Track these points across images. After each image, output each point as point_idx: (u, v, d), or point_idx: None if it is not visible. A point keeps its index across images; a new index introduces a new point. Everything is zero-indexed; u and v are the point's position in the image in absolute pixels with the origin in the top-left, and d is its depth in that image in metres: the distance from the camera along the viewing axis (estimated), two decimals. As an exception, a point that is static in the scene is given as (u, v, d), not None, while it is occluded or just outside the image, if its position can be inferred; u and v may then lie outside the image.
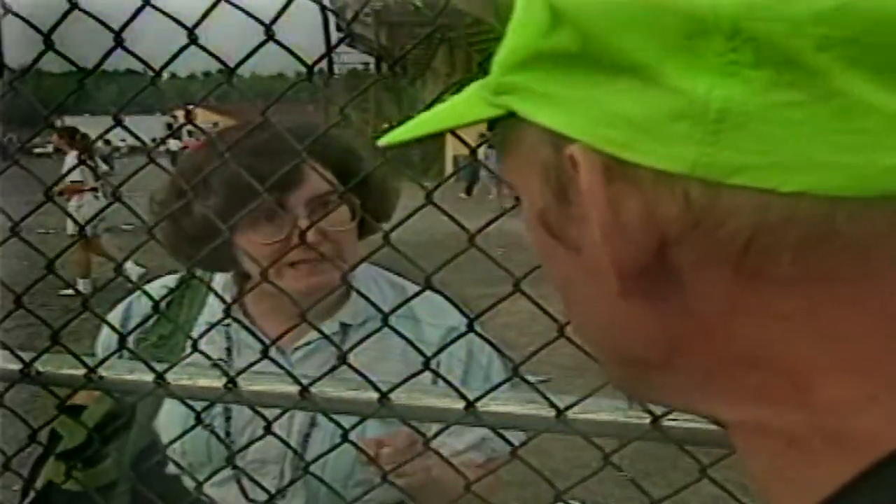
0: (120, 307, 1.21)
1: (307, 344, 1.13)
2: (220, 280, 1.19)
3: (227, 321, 1.11)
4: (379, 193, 1.14)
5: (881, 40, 0.25)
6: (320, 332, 0.97)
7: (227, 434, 1.12)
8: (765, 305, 0.29)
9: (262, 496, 1.06)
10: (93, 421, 1.15)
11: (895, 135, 0.26)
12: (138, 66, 0.89)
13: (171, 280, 1.21)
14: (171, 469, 1.13)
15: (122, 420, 1.15)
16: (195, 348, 1.00)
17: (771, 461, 0.32)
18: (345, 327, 1.14)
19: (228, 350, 1.15)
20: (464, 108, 0.37)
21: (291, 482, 1.08)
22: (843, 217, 0.27)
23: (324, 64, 0.86)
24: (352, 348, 0.93)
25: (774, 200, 0.27)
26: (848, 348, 0.29)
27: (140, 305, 1.19)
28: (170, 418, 1.13)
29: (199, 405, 1.02)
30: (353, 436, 0.95)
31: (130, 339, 1.14)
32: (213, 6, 0.79)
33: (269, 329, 1.11)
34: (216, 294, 1.10)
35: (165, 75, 0.88)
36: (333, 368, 0.93)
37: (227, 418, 1.12)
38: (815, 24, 0.25)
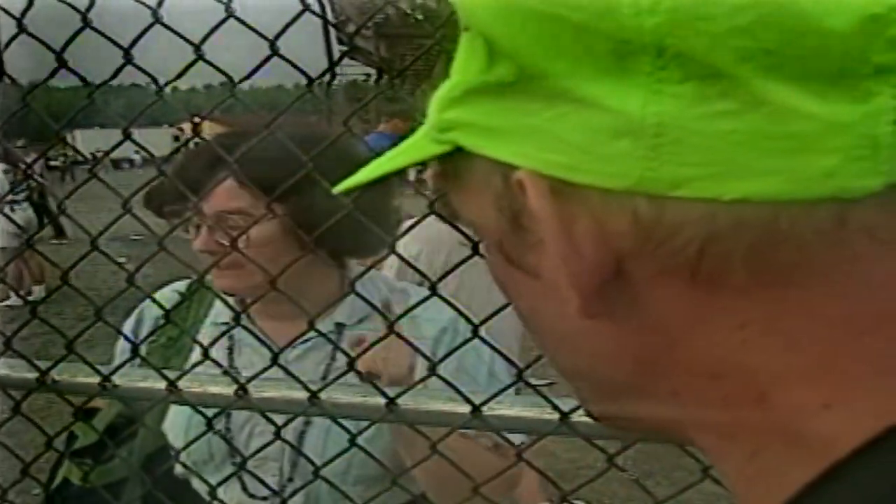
0: (134, 313, 1.25)
1: (303, 343, 1.15)
2: None
3: (226, 320, 1.17)
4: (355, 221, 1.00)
5: (798, 51, 0.26)
6: (320, 333, 0.99)
7: (227, 431, 1.13)
8: (722, 315, 0.30)
9: (261, 493, 1.09)
10: (104, 423, 1.19)
11: (830, 138, 0.26)
12: (142, 80, 0.92)
13: (181, 285, 1.25)
14: (179, 471, 1.15)
15: (131, 422, 1.18)
16: (206, 355, 1.02)
17: (739, 467, 0.32)
18: (340, 326, 1.16)
19: (230, 349, 1.18)
20: (415, 148, 0.38)
21: (303, 486, 1.09)
22: (787, 221, 0.27)
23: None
24: (361, 354, 0.95)
25: (720, 209, 0.27)
26: (800, 355, 0.29)
27: (152, 310, 1.23)
28: (175, 420, 1.15)
29: (209, 411, 1.04)
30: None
31: (143, 343, 1.18)
32: (221, 23, 0.81)
33: (268, 328, 1.14)
34: (222, 300, 1.13)
35: (168, 89, 0.90)
36: (341, 375, 0.94)
37: (227, 416, 1.13)
38: (734, 37, 0.26)
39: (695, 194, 0.28)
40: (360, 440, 0.98)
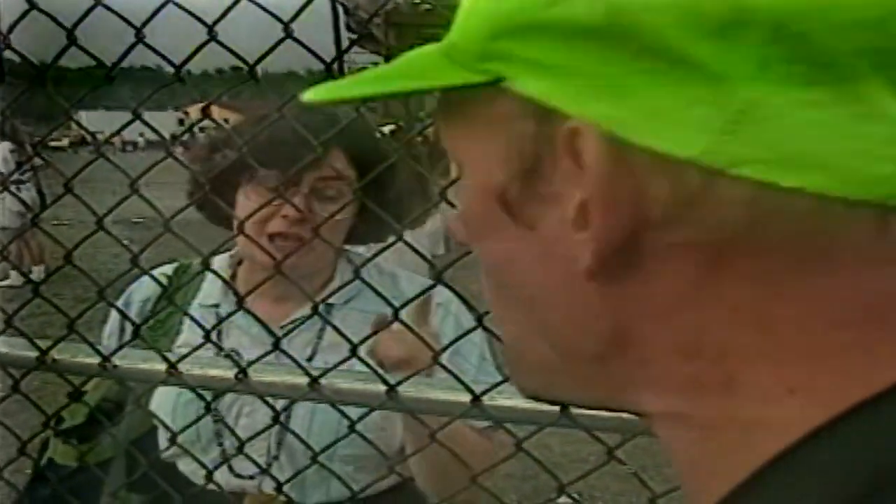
0: (123, 296, 1.25)
1: (291, 323, 1.15)
2: (217, 265, 1.21)
3: (215, 302, 1.18)
4: (398, 200, 1.15)
5: None
6: (320, 315, 0.99)
7: (216, 412, 1.13)
8: (720, 295, 0.30)
9: (247, 472, 1.10)
10: (92, 403, 1.19)
11: (894, 146, 0.27)
12: (152, 63, 0.92)
13: (168, 268, 1.25)
14: (165, 455, 1.15)
15: (116, 405, 1.20)
16: (207, 338, 1.03)
17: (690, 451, 0.32)
18: (328, 307, 1.16)
19: (218, 331, 1.18)
20: (426, 71, 0.35)
21: (295, 474, 1.10)
22: (827, 217, 0.28)
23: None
24: (362, 340, 0.95)
25: (769, 194, 0.27)
26: (779, 339, 0.29)
27: (139, 293, 1.24)
28: (161, 402, 1.15)
29: (207, 394, 1.05)
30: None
31: (129, 325, 1.18)
32: (235, 4, 0.80)
33: (257, 309, 1.14)
34: (221, 278, 1.13)
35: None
36: (344, 360, 0.95)
37: (214, 396, 1.13)
38: (856, 29, 0.26)
39: (753, 175, 0.27)
40: (346, 420, 0.98)
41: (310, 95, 0.37)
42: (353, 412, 0.98)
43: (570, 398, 0.40)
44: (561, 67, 0.30)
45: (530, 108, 0.31)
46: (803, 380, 0.29)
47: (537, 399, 0.41)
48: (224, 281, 1.14)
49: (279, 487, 1.05)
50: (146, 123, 0.93)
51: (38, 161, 7.02)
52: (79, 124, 1.06)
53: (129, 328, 1.20)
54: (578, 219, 0.30)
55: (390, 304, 0.94)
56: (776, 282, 0.29)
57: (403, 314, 0.93)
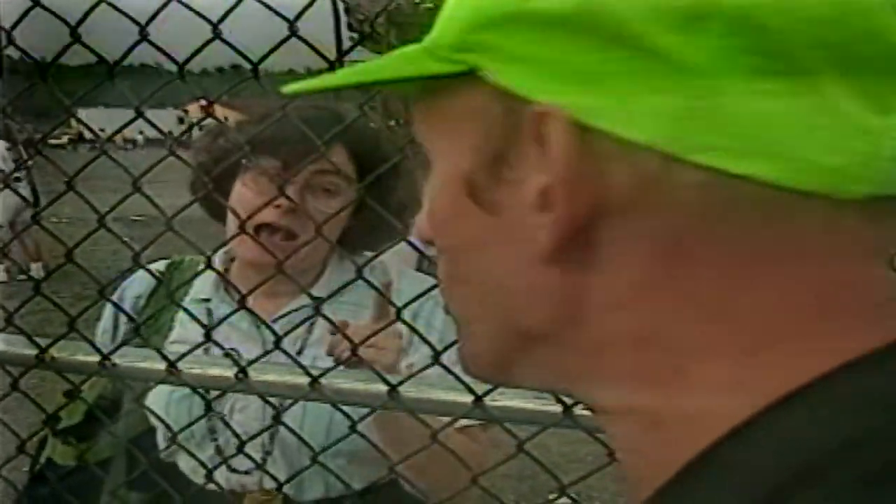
0: (115, 293, 1.25)
1: (282, 317, 1.15)
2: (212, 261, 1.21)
3: (207, 298, 1.18)
4: (400, 209, 1.13)
5: (867, 51, 0.27)
6: (323, 315, 0.99)
7: (209, 409, 1.13)
8: (675, 286, 0.31)
9: (242, 468, 1.10)
10: (85, 405, 1.19)
11: (850, 140, 0.28)
12: (151, 61, 0.91)
13: (161, 265, 1.25)
14: (164, 454, 1.15)
15: (113, 404, 1.20)
16: (208, 337, 1.02)
17: (633, 441, 0.33)
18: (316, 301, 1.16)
19: (207, 326, 1.17)
20: (408, 62, 0.36)
21: (297, 474, 1.10)
22: (777, 206, 0.28)
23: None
24: (362, 342, 0.95)
25: (721, 181, 0.28)
26: (729, 331, 0.30)
27: (131, 290, 1.23)
28: (154, 400, 1.14)
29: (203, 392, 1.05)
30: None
31: (123, 321, 1.20)
32: (239, 2, 0.80)
33: (251, 304, 1.14)
34: (220, 275, 1.13)
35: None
36: (345, 360, 0.94)
37: (209, 394, 1.12)
38: (814, 25, 0.27)
39: (707, 161, 0.28)
40: (338, 414, 0.98)
41: (292, 87, 0.40)
42: (351, 409, 0.97)
43: (521, 382, 0.41)
44: (532, 57, 0.31)
45: (501, 98, 0.32)
46: (749, 371, 0.30)
47: (485, 381, 0.42)
48: (223, 278, 1.13)
49: (280, 487, 1.05)
50: (149, 121, 0.92)
51: (30, 159, 7.02)
52: (82, 122, 1.06)
53: (122, 326, 1.21)
54: (540, 202, 0.31)
55: (391, 303, 0.94)
56: (728, 273, 0.30)
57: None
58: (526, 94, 0.31)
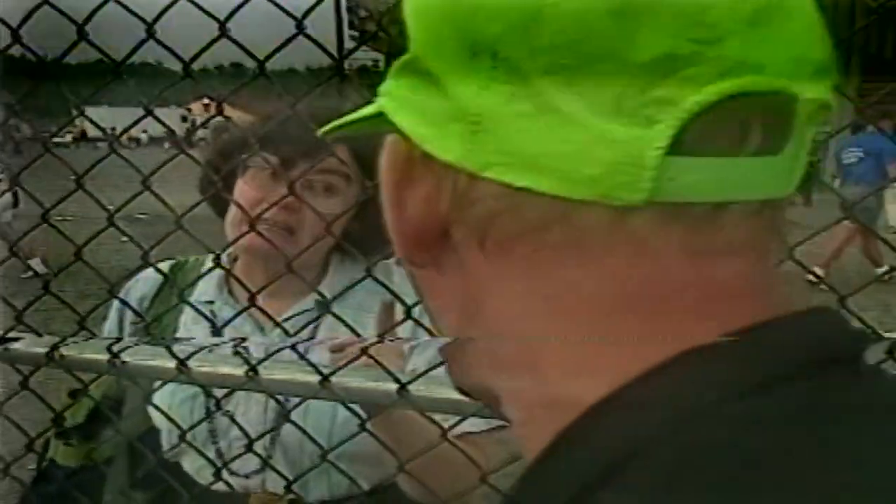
0: (120, 293, 1.25)
1: (286, 320, 1.15)
2: (210, 263, 1.21)
3: (210, 300, 1.17)
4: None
5: (594, 72, 0.30)
6: (334, 315, 0.99)
7: (209, 410, 1.13)
8: (509, 287, 0.35)
9: (244, 471, 1.10)
10: (90, 405, 1.19)
11: (598, 150, 0.31)
12: (152, 59, 0.91)
13: (164, 265, 1.25)
14: (169, 455, 1.15)
15: (117, 403, 1.20)
16: (216, 334, 1.02)
17: (517, 428, 0.37)
18: (320, 304, 1.16)
19: (212, 326, 1.17)
20: (364, 108, 0.42)
21: (309, 469, 1.10)
22: (557, 213, 0.32)
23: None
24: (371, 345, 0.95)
25: (509, 194, 0.33)
26: (567, 325, 0.34)
27: (136, 291, 1.23)
28: (157, 400, 1.14)
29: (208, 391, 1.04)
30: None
31: (128, 322, 1.21)
32: (245, 1, 0.80)
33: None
34: (230, 273, 1.13)
35: (180, 68, 0.90)
36: (353, 359, 0.94)
37: (208, 394, 1.12)
38: (546, 53, 0.31)
39: (495, 177, 0.33)
40: (339, 417, 0.98)
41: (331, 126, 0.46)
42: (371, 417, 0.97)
43: (470, 385, 0.44)
44: (399, 97, 0.37)
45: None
46: (588, 361, 0.33)
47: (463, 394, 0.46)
48: (234, 277, 1.13)
49: (288, 486, 1.05)
50: (158, 119, 0.92)
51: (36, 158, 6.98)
52: (92, 121, 1.06)
53: (127, 326, 1.21)
54: (421, 208, 0.37)
55: (402, 301, 0.93)
56: (543, 273, 0.34)
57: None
58: (402, 128, 0.36)
